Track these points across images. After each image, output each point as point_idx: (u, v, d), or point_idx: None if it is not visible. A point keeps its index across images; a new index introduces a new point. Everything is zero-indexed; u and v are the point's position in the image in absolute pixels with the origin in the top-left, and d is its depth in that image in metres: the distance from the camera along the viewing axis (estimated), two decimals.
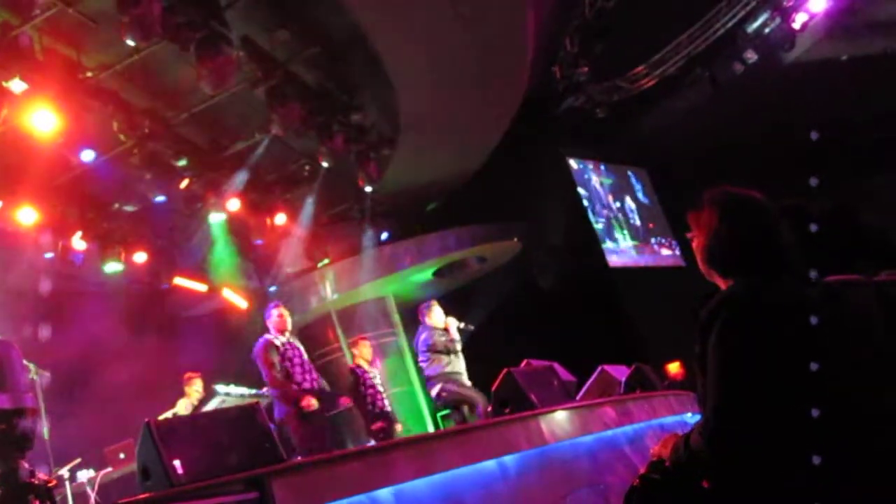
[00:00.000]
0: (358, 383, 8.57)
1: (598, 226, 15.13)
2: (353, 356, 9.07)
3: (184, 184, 10.02)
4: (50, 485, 4.02)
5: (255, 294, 13.11)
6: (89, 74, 8.07)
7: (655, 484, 2.30)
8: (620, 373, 7.24)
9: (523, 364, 6.84)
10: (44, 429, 6.43)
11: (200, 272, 12.17)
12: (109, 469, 7.82)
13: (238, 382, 8.39)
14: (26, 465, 3.98)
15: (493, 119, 11.99)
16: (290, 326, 7.52)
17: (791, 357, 2.04)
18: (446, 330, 8.18)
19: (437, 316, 8.28)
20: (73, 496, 7.23)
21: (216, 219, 11.18)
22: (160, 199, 10.20)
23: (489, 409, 6.26)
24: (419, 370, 13.64)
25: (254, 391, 8.11)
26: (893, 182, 12.30)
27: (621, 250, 15.40)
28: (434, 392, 8.07)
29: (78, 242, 10.07)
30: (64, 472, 7.19)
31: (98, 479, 7.48)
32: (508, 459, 4.18)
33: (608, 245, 15.07)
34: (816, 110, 12.12)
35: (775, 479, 2.03)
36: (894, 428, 2.07)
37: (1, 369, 4.00)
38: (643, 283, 14.81)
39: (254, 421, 3.58)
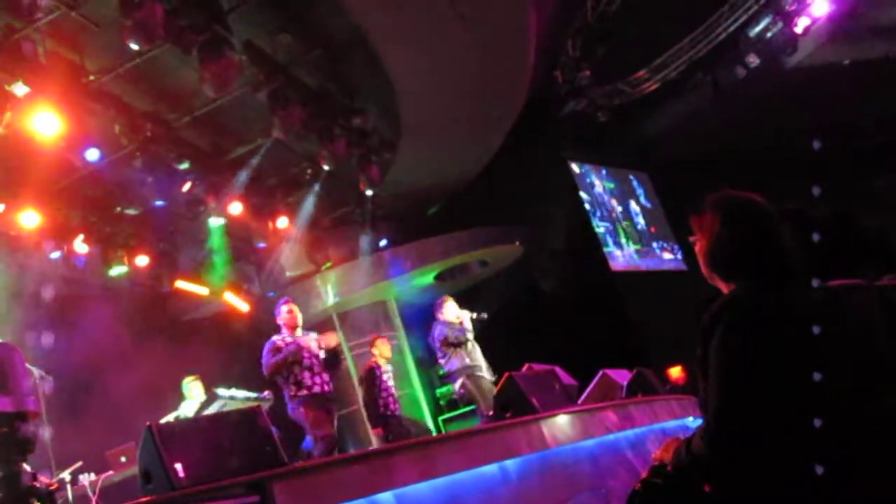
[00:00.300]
0: (373, 384, 8.57)
1: (600, 229, 15.13)
2: (373, 355, 9.06)
3: (186, 187, 10.03)
4: (51, 488, 4.03)
5: (257, 297, 13.12)
6: (92, 78, 8.08)
7: (657, 488, 2.29)
8: (622, 377, 7.24)
9: (525, 368, 6.84)
10: (45, 432, 6.43)
11: (202, 276, 12.18)
12: (111, 472, 7.80)
13: (239, 386, 8.38)
14: (28, 469, 3.98)
15: (495, 122, 11.99)
16: (300, 322, 7.45)
17: (793, 361, 2.04)
18: (460, 324, 8.19)
19: (449, 311, 8.30)
20: (75, 499, 7.21)
21: (218, 222, 11.19)
22: (162, 202, 10.21)
23: (490, 413, 6.26)
24: (420, 373, 13.72)
25: (255, 395, 8.10)
26: (895, 185, 12.30)
27: (623, 254, 15.40)
28: (456, 387, 8.12)
29: (80, 246, 10.07)
30: (65, 475, 7.18)
31: (99, 482, 7.46)
32: (510, 463, 4.18)
33: (610, 249, 15.07)
34: (818, 114, 12.10)
35: (777, 483, 2.02)
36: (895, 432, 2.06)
37: (3, 372, 4.00)
38: (645, 287, 14.80)
39: (255, 424, 3.58)
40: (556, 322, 12.91)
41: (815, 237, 2.44)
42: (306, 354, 7.20)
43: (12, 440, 3.94)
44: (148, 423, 3.25)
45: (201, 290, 12.29)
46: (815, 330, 2.04)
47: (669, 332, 11.55)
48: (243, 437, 3.49)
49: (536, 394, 5.08)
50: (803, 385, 2.01)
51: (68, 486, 7.12)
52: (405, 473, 3.55)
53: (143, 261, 10.86)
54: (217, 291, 12.51)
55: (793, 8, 12.88)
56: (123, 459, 7.93)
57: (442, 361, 8.24)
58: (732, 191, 2.37)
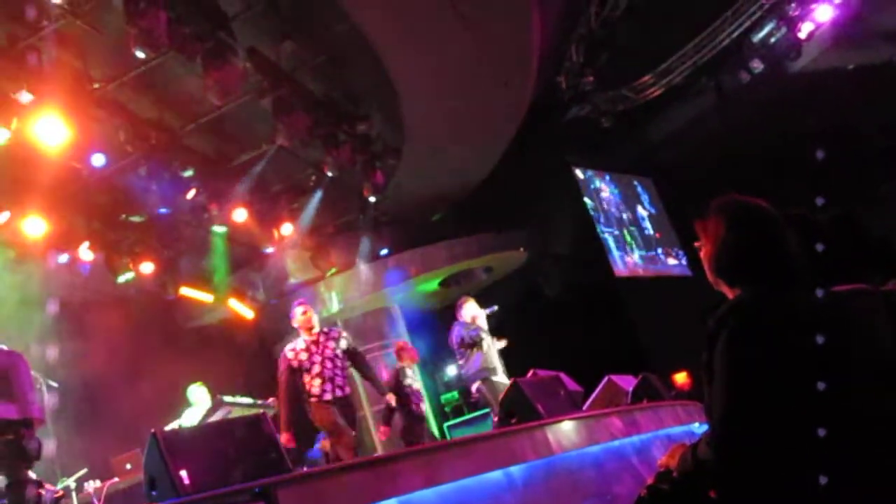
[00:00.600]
0: (401, 385, 8.56)
1: (604, 235, 15.12)
2: (398, 358, 9.04)
3: (190, 194, 10.04)
4: (57, 496, 4.03)
5: (261, 304, 13.13)
6: (97, 86, 8.11)
7: (663, 494, 2.29)
8: (627, 383, 7.22)
9: (529, 374, 6.83)
10: (51, 439, 6.44)
11: (206, 283, 12.19)
12: (116, 480, 7.80)
13: (244, 393, 8.39)
14: (33, 476, 3.98)
15: (499, 128, 12.01)
16: (316, 323, 7.34)
17: (798, 366, 2.03)
18: (473, 322, 8.19)
19: (466, 311, 8.30)
20: None
21: (222, 229, 11.20)
22: (166, 209, 10.23)
23: (495, 419, 6.26)
24: (425, 380, 13.70)
25: (260, 401, 8.11)
26: None
27: (628, 260, 15.38)
28: (472, 390, 8.13)
29: (85, 253, 10.09)
30: (70, 482, 7.20)
31: (105, 489, 7.47)
32: (515, 470, 4.17)
33: (614, 254, 15.05)
34: (823, 119, 12.11)
35: (782, 488, 2.02)
36: None
37: (8, 380, 4.01)
38: (649, 293, 14.79)
39: (260, 431, 3.58)
40: (561, 328, 12.92)
41: (820, 242, 2.44)
42: (317, 360, 7.13)
43: (17, 448, 3.94)
44: (153, 430, 3.25)
45: (206, 298, 12.31)
46: (820, 335, 2.04)
47: (674, 337, 11.53)
48: (248, 444, 3.49)
49: (541, 400, 5.07)
50: (808, 390, 2.00)
51: (73, 494, 7.13)
52: (410, 480, 3.54)
53: (147, 268, 10.86)
54: (222, 298, 12.52)
55: (797, 13, 12.88)
56: (128, 466, 7.93)
57: (461, 362, 8.23)
58: (737, 196, 2.36)
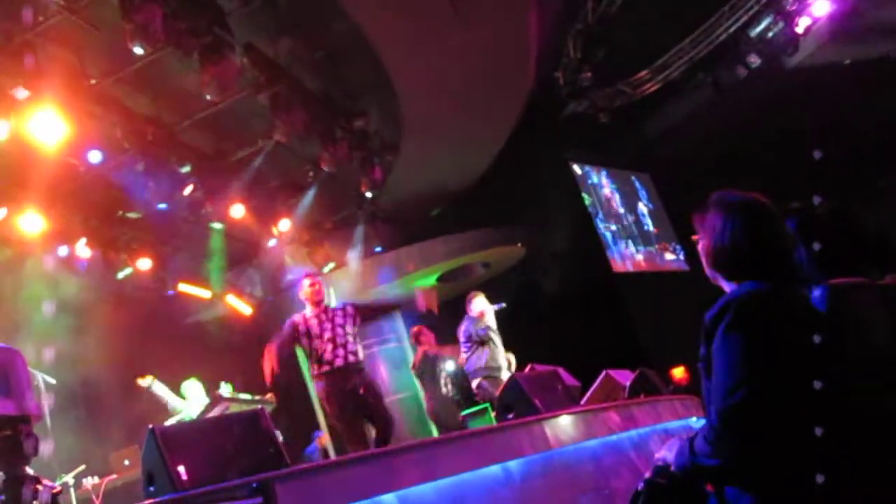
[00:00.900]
0: (436, 369, 8.49)
1: (602, 230, 15.13)
2: (421, 344, 8.95)
3: (187, 190, 10.03)
4: (55, 492, 4.02)
5: (259, 300, 13.12)
6: (93, 82, 8.10)
7: (660, 488, 2.29)
8: (625, 377, 7.23)
9: (527, 369, 6.84)
10: (49, 436, 6.43)
11: (204, 278, 12.18)
12: (114, 476, 7.82)
13: (242, 388, 8.38)
14: (31, 472, 3.98)
15: (496, 124, 12.00)
16: (324, 297, 6.91)
17: (795, 360, 2.03)
18: (481, 317, 8.12)
19: (476, 305, 8.22)
20: (79, 503, 7.23)
21: (219, 225, 11.19)
22: (164, 205, 10.21)
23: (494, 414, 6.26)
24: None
25: (258, 397, 8.10)
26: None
27: (625, 255, 15.39)
28: (473, 386, 8.07)
29: (82, 249, 10.08)
30: (69, 478, 7.19)
31: (103, 485, 7.48)
32: (513, 465, 4.17)
33: (612, 249, 15.06)
34: (820, 114, 12.11)
35: (780, 482, 2.02)
36: None
37: (6, 376, 4.00)
38: (647, 288, 14.80)
39: (258, 426, 3.58)
40: (559, 323, 12.91)
41: (818, 236, 2.44)
42: (328, 326, 6.67)
43: (14, 444, 3.94)
44: (150, 426, 3.25)
45: (204, 294, 12.30)
46: (817, 329, 2.04)
47: (672, 332, 11.53)
48: (246, 440, 3.49)
49: (539, 395, 5.08)
50: (806, 384, 2.01)
51: (72, 490, 7.13)
52: (408, 475, 3.55)
53: (145, 264, 10.85)
54: (219, 294, 12.51)
55: (794, 8, 12.87)
56: (127, 462, 7.94)
57: (465, 355, 8.18)
58: (735, 190, 2.37)
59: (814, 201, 2.54)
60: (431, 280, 13.80)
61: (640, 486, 2.33)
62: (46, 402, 6.35)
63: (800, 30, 12.94)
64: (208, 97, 8.14)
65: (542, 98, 12.81)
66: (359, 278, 13.13)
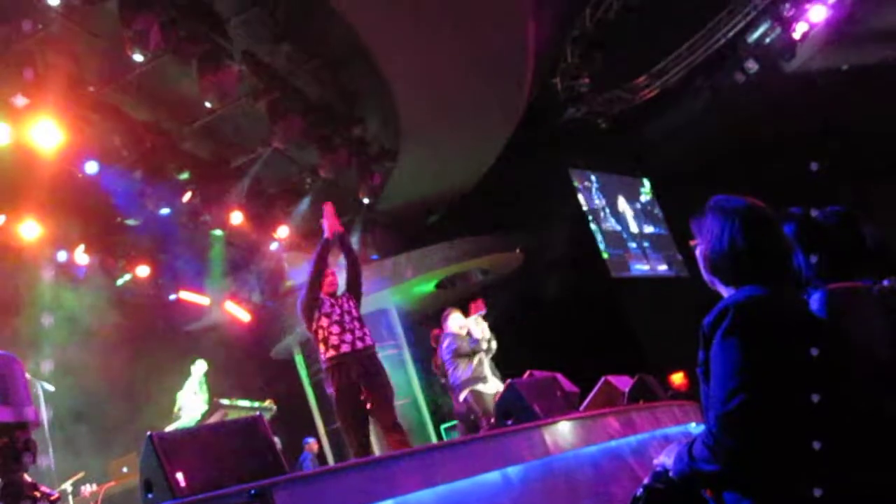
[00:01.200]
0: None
1: (601, 236, 15.13)
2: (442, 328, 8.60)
3: (186, 197, 10.03)
4: (53, 499, 4.01)
5: (258, 307, 13.11)
6: (92, 89, 8.11)
7: (659, 494, 2.29)
8: (624, 383, 7.22)
9: (526, 375, 6.82)
10: (48, 443, 6.43)
11: (203, 285, 12.17)
12: (113, 483, 7.80)
13: (241, 395, 8.38)
14: (28, 479, 3.97)
15: (495, 130, 12.01)
16: (338, 288, 6.71)
17: (793, 365, 2.03)
18: (468, 334, 8.00)
19: (452, 322, 8.09)
20: None
21: (218, 232, 11.19)
22: (163, 212, 10.21)
23: (492, 420, 6.23)
24: (421, 381, 13.70)
25: (256, 403, 8.10)
26: (893, 191, 12.30)
27: (624, 260, 15.39)
28: (459, 399, 7.94)
29: (81, 256, 10.08)
30: (67, 486, 7.18)
31: (101, 493, 7.46)
32: (512, 471, 4.17)
33: (610, 255, 15.06)
34: (817, 119, 12.13)
35: (777, 487, 2.02)
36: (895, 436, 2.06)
37: (3, 383, 3.99)
38: (646, 293, 14.80)
39: (256, 433, 3.58)
40: (558, 329, 12.90)
41: (816, 241, 2.44)
42: (337, 310, 6.50)
43: (12, 450, 3.93)
44: (149, 433, 3.25)
45: (203, 301, 12.29)
46: (815, 333, 2.05)
47: (671, 337, 11.53)
48: (244, 446, 3.49)
49: (538, 401, 5.07)
50: (804, 389, 2.01)
51: (70, 497, 7.12)
52: (407, 481, 3.54)
53: (143, 271, 10.86)
54: (218, 301, 12.51)
55: (791, 13, 12.91)
56: (125, 469, 7.93)
57: (449, 372, 8.04)
58: (733, 195, 2.37)
59: (811, 211, 2.55)
60: (430, 286, 13.79)
61: (639, 491, 2.32)
62: (44, 410, 6.34)
63: (797, 35, 12.98)
64: (207, 104, 8.15)
65: (540, 104, 12.83)
66: None
